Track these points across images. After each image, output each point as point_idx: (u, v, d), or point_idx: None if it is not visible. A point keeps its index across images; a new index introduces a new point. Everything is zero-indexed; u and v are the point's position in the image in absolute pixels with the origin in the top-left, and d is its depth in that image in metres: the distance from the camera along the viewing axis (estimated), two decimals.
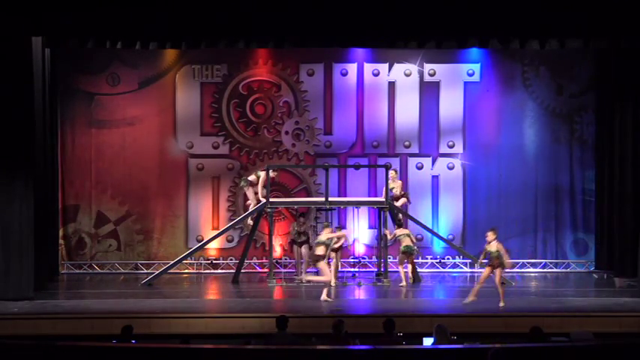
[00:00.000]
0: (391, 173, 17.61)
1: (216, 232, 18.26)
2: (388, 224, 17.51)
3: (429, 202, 19.01)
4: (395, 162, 18.74)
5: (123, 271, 18.70)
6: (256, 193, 17.60)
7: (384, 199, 17.41)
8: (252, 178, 17.69)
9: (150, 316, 14.21)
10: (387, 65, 18.96)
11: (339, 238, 16.63)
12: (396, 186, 17.70)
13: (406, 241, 17.11)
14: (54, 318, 14.17)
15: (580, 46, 16.38)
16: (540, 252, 19.02)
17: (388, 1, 15.70)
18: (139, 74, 18.73)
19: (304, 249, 17.55)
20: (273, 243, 17.86)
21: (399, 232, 17.28)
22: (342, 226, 18.00)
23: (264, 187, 17.39)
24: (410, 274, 17.26)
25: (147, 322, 13.78)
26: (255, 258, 18.82)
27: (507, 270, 15.53)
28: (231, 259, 18.81)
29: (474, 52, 18.53)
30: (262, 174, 17.49)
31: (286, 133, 18.94)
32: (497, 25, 15.86)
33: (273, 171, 17.72)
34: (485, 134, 19.01)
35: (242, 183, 17.88)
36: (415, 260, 18.05)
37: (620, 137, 17.95)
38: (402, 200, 17.90)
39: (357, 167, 18.65)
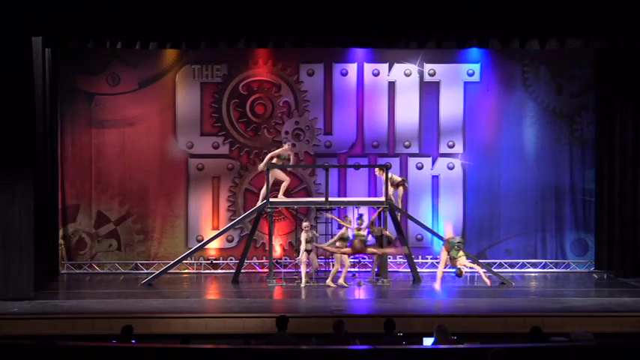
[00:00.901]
0: (377, 171, 17.67)
1: (216, 232, 18.25)
2: (388, 225, 17.47)
3: (429, 202, 19.00)
4: (395, 162, 18.74)
5: (123, 271, 18.69)
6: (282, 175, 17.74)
7: (384, 199, 17.40)
8: (274, 161, 17.67)
9: (150, 316, 14.21)
10: (387, 65, 18.95)
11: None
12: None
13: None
14: (54, 318, 14.17)
15: (580, 46, 16.38)
16: (540, 252, 19.00)
17: (388, 1, 15.71)
18: (139, 74, 18.73)
19: (312, 255, 17.32)
20: (273, 243, 17.84)
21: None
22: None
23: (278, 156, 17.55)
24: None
25: (147, 322, 13.77)
26: (255, 258, 18.82)
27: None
28: (231, 259, 18.81)
29: (474, 52, 18.52)
30: (280, 151, 17.59)
31: (286, 133, 18.93)
32: (497, 25, 15.88)
33: (289, 145, 17.80)
34: (485, 134, 19.01)
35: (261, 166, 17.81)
36: (415, 260, 18.07)
37: (620, 137, 17.97)
38: (400, 189, 17.79)
39: (357, 167, 18.63)
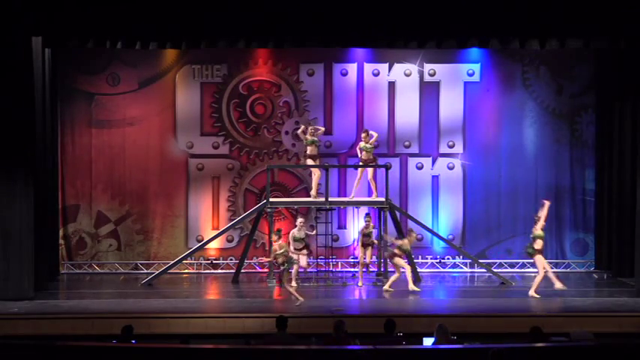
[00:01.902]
0: (363, 135, 17.66)
1: (216, 232, 18.26)
2: (388, 228, 17.43)
3: (429, 202, 19.00)
4: (395, 162, 18.75)
5: (123, 271, 18.70)
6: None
7: (384, 199, 17.42)
8: (311, 151, 17.64)
9: (150, 316, 14.23)
10: (387, 65, 18.96)
11: None
12: (367, 146, 17.58)
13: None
14: (54, 318, 14.19)
15: (580, 46, 16.39)
16: None
17: (388, 1, 15.71)
18: (139, 74, 18.73)
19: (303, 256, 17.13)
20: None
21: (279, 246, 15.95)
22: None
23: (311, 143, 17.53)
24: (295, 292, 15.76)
25: (147, 322, 13.79)
26: (255, 258, 18.81)
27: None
28: (231, 259, 18.81)
29: (474, 52, 18.53)
30: (309, 137, 17.56)
31: (286, 133, 18.93)
32: (497, 25, 15.89)
33: (311, 133, 17.64)
34: (485, 134, 19.01)
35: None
36: (415, 260, 18.06)
37: (620, 137, 17.96)
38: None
39: (357, 167, 18.61)
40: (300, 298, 15.31)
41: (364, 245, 17.29)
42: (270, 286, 17.02)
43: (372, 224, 17.35)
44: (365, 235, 17.30)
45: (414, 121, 18.98)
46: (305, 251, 17.17)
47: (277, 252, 15.64)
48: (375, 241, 17.33)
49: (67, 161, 18.67)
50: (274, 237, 15.90)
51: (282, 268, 15.65)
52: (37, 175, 15.94)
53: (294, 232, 17.14)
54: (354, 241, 18.87)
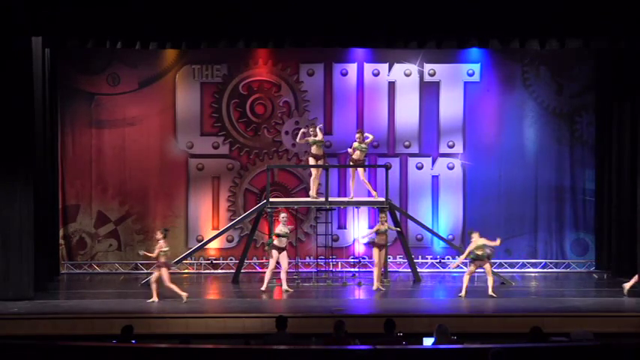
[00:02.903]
0: (357, 135, 17.57)
1: (216, 232, 18.26)
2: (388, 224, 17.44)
3: (429, 202, 19.00)
4: (395, 162, 18.75)
5: (123, 271, 18.70)
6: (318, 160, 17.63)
7: (384, 199, 17.41)
8: (314, 150, 17.60)
9: (150, 316, 14.24)
10: (387, 65, 18.96)
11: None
12: (362, 146, 17.54)
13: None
14: (54, 318, 14.20)
15: (580, 46, 16.39)
16: (540, 252, 19.01)
17: (388, 1, 15.72)
18: (139, 74, 18.74)
19: (283, 254, 16.68)
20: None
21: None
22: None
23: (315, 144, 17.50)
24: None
25: (147, 322, 13.80)
26: (255, 258, 18.82)
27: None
28: (231, 259, 18.81)
29: (474, 52, 18.53)
30: (311, 138, 17.53)
31: (286, 133, 18.93)
32: (497, 25, 15.89)
33: (313, 131, 17.59)
34: (485, 134, 19.01)
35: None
36: (415, 260, 18.07)
37: (620, 137, 17.95)
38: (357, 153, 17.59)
39: (356, 167, 18.60)
40: (184, 294, 15.36)
41: (379, 246, 16.69)
42: (270, 286, 17.00)
43: (387, 223, 17.00)
44: (381, 233, 16.70)
45: (413, 121, 18.99)
46: (285, 252, 16.65)
47: (163, 249, 15.51)
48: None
49: (67, 161, 18.67)
50: (159, 235, 15.74)
51: (168, 267, 15.57)
52: (37, 175, 15.94)
53: (280, 227, 16.64)
54: (354, 241, 18.86)
